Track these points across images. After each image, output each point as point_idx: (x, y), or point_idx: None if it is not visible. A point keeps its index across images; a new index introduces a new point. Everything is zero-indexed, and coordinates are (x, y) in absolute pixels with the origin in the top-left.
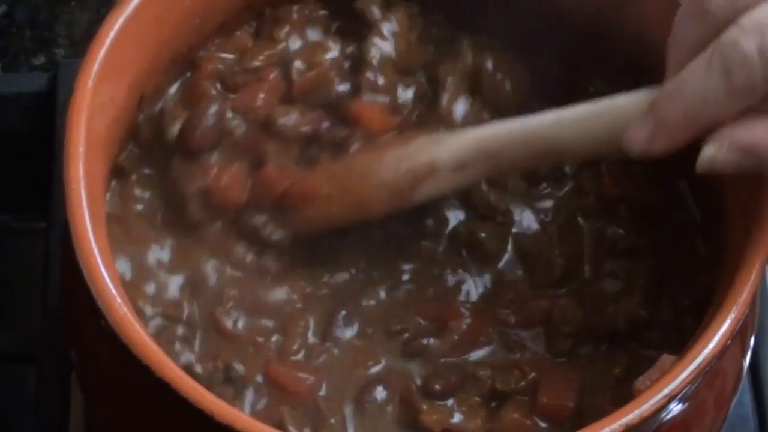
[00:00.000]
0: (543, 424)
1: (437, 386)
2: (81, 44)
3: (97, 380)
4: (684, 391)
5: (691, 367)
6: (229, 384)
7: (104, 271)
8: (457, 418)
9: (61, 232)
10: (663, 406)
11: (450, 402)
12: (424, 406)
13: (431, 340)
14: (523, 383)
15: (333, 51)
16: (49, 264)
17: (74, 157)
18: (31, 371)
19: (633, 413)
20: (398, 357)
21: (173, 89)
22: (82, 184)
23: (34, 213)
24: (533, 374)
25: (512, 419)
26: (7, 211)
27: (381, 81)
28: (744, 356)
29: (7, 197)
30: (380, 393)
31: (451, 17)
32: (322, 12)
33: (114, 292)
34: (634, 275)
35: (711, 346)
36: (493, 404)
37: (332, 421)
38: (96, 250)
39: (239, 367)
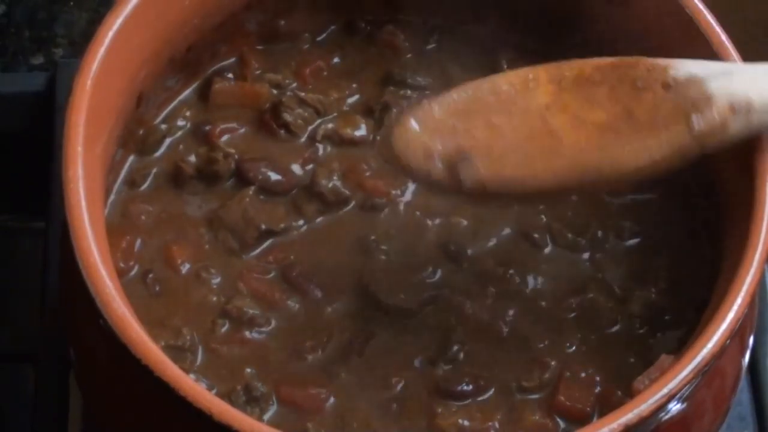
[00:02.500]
0: (563, 425)
1: (455, 388)
2: (80, 44)
3: (96, 380)
4: (683, 390)
5: (690, 367)
6: (254, 404)
7: (103, 270)
8: (474, 420)
9: (60, 231)
10: (662, 406)
11: (467, 403)
12: (440, 410)
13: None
14: (547, 375)
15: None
16: (48, 264)
17: (73, 157)
18: (29, 370)
19: (632, 412)
20: (422, 360)
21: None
22: (81, 183)
23: (33, 213)
24: (554, 364)
25: (532, 422)
26: (6, 210)
27: None
28: (743, 356)
29: (6, 197)
30: (403, 395)
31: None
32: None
33: (113, 291)
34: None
35: (710, 345)
36: (512, 406)
37: (355, 425)
38: (95, 250)
39: (260, 385)
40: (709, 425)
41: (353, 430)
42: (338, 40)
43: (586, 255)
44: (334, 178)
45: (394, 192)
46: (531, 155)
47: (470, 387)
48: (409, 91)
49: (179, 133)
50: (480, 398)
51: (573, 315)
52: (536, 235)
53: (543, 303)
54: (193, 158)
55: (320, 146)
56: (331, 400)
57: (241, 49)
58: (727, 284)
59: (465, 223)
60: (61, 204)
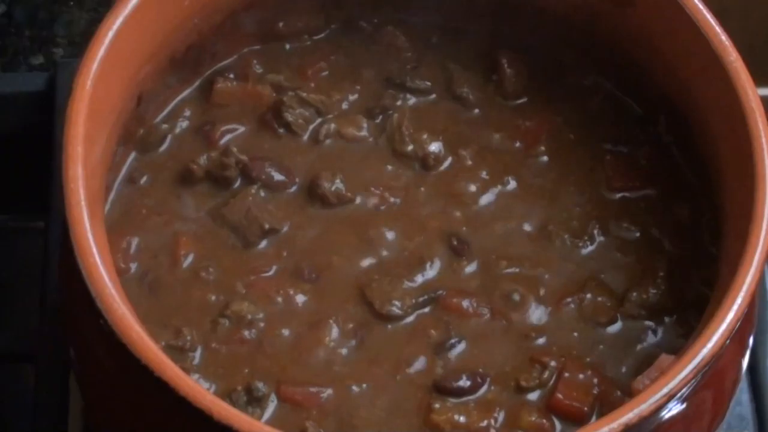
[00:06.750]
0: (560, 425)
1: (452, 384)
2: (80, 44)
3: (96, 380)
4: (683, 390)
5: (690, 367)
6: (255, 404)
7: (103, 270)
8: (470, 417)
9: (59, 231)
10: (662, 406)
11: (464, 400)
12: (436, 405)
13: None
14: (546, 375)
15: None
16: (48, 264)
17: (73, 157)
18: (29, 370)
19: (632, 412)
20: (419, 357)
21: None
22: (81, 183)
23: (33, 213)
24: (554, 364)
25: (528, 422)
26: (6, 211)
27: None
28: (743, 356)
29: (6, 197)
30: (400, 391)
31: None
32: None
33: (113, 291)
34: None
35: (710, 345)
36: (509, 404)
37: (353, 422)
38: (95, 250)
39: (260, 385)
40: (708, 425)
41: (351, 427)
42: (339, 40)
43: (585, 254)
44: (337, 179)
45: (395, 191)
46: None
47: (467, 384)
48: (408, 95)
49: (180, 132)
50: (477, 395)
51: (572, 314)
52: (536, 234)
53: (542, 302)
54: (203, 161)
55: (323, 145)
56: (330, 398)
57: (241, 48)
58: (727, 284)
59: (465, 221)
60: (61, 204)
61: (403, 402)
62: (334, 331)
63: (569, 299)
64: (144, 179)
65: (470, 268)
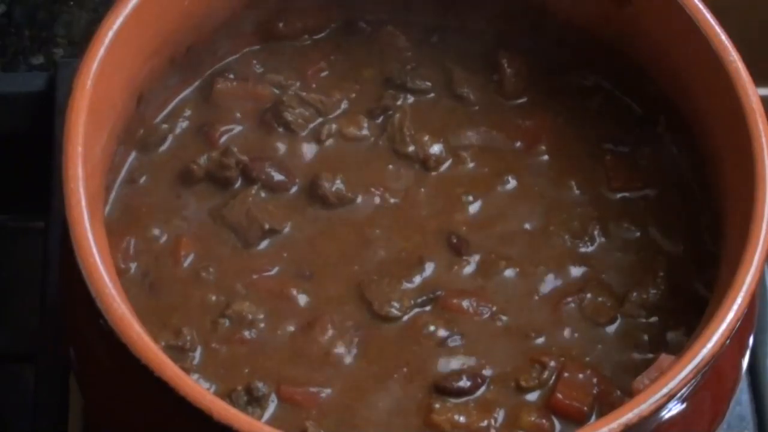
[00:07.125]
0: (560, 426)
1: (452, 384)
2: (80, 44)
3: (96, 379)
4: (683, 390)
5: (690, 367)
6: (255, 404)
7: (103, 270)
8: (470, 417)
9: (60, 231)
10: (662, 406)
11: (464, 400)
12: (436, 405)
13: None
14: (545, 375)
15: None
16: (48, 264)
17: (73, 157)
18: (29, 370)
19: (632, 412)
20: (419, 357)
21: None
22: (81, 183)
23: (33, 213)
24: (553, 364)
25: (528, 422)
26: (6, 211)
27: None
28: (743, 356)
29: (6, 197)
30: (400, 391)
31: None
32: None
33: (113, 291)
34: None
35: (709, 345)
36: (509, 405)
37: (353, 422)
38: (95, 250)
39: (260, 385)
40: (708, 425)
41: (351, 427)
42: (338, 40)
43: (585, 254)
44: (337, 179)
45: (395, 191)
46: None
47: (467, 384)
48: (408, 95)
49: (180, 132)
50: (477, 396)
51: (572, 314)
52: (536, 233)
53: (542, 302)
54: (203, 161)
55: (323, 145)
56: (330, 397)
57: (241, 48)
58: (727, 284)
59: (465, 220)
60: (61, 204)
61: (403, 402)
62: (334, 332)
63: (569, 299)
64: (144, 179)
65: (469, 268)
